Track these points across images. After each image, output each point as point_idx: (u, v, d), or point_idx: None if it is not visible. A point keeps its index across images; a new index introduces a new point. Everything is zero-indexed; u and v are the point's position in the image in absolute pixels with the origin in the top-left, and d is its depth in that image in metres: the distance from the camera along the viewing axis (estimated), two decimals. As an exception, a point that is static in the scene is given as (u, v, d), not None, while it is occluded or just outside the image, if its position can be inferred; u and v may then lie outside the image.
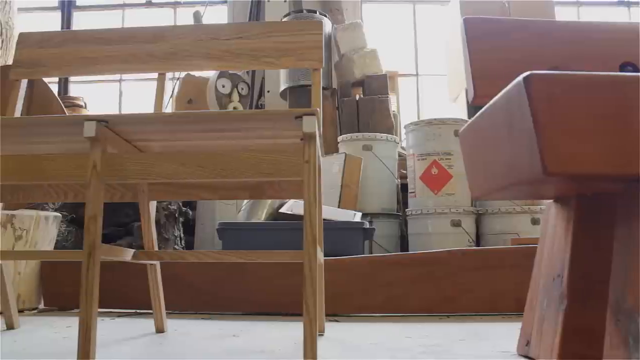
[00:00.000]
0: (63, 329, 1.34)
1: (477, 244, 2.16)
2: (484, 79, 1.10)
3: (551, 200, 1.03)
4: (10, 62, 2.93)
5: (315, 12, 2.77)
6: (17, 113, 1.35)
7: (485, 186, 0.93)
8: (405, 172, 2.61)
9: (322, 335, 1.27)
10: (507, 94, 0.76)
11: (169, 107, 3.06)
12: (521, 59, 1.14)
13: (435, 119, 2.19)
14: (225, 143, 1.13)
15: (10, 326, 1.34)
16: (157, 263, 1.25)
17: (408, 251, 2.26)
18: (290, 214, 1.76)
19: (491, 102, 0.83)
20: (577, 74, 0.71)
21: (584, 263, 0.89)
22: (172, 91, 3.05)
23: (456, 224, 2.06)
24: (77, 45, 1.37)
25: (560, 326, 0.87)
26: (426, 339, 1.21)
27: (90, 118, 0.94)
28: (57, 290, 1.74)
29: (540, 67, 1.18)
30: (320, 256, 1.18)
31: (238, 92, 2.55)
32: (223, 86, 2.55)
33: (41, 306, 1.77)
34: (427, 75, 3.48)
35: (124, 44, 1.36)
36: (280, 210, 1.76)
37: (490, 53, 1.12)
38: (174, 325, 1.38)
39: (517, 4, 2.91)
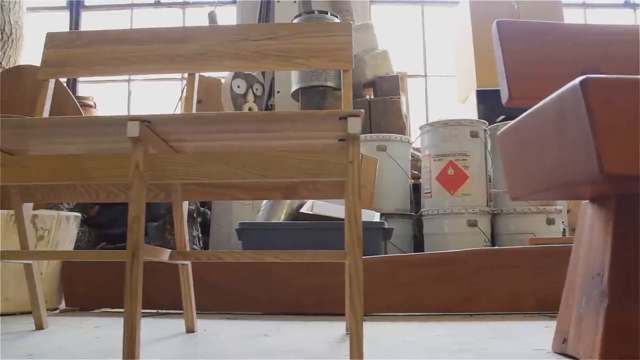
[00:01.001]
0: (92, 329, 1.34)
1: (492, 244, 2.18)
2: (518, 80, 1.11)
3: (586, 201, 1.05)
4: (20, 60, 2.92)
5: (326, 13, 2.78)
6: (46, 113, 1.35)
7: (529, 187, 0.94)
8: (416, 172, 2.63)
9: (352, 334, 1.28)
10: (559, 97, 0.77)
11: (178, 109, 3.05)
12: (553, 60, 1.16)
13: (451, 120, 2.21)
14: (256, 144, 1.13)
15: (39, 326, 1.34)
16: (188, 263, 1.25)
17: (422, 251, 2.27)
18: (310, 214, 1.77)
19: (539, 104, 0.85)
20: (630, 78, 0.72)
21: (625, 262, 0.90)
22: (182, 91, 3.05)
23: (472, 224, 2.07)
24: (105, 46, 1.37)
25: (602, 325, 0.89)
26: (455, 337, 1.22)
27: (133, 118, 0.95)
28: (78, 291, 1.73)
29: (571, 68, 1.19)
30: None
31: (253, 92, 2.55)
32: (238, 86, 2.56)
33: (61, 306, 1.77)
34: (436, 77, 3.50)
35: (153, 44, 1.36)
36: (301, 211, 1.77)
37: (523, 55, 1.13)
38: (201, 325, 1.39)
39: (526, 5, 2.93)
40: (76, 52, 1.37)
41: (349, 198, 0.94)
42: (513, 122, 0.97)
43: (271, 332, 1.30)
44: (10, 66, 2.84)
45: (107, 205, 2.39)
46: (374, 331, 1.32)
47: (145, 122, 0.95)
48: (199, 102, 3.09)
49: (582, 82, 0.71)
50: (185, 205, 1.23)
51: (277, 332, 1.30)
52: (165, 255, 1.08)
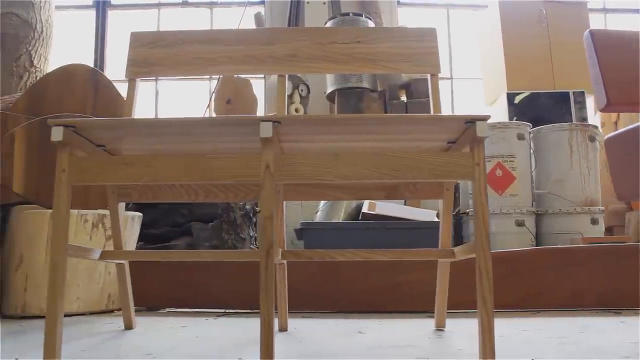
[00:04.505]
0: (182, 329, 1.34)
1: (537, 243, 2.24)
2: (615, 87, 1.16)
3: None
4: (50, 59, 2.89)
5: (361, 15, 2.81)
6: (134, 113, 1.35)
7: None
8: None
9: (443, 330, 1.32)
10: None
11: (207, 110, 3.05)
12: (644, 67, 1.20)
13: (499, 123, 2.27)
14: (360, 145, 1.16)
15: (128, 326, 1.34)
16: (285, 263, 1.27)
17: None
18: (372, 214, 1.80)
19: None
20: None
21: None
22: (212, 92, 3.04)
23: (520, 223, 2.13)
24: (191, 46, 1.38)
25: None
26: (544, 332, 1.26)
27: (264, 119, 0.96)
28: (144, 291, 1.73)
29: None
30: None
31: (299, 93, 2.56)
32: (284, 87, 2.56)
33: (125, 306, 1.75)
34: (462, 79, 3.56)
35: (241, 44, 1.37)
36: (362, 211, 1.79)
37: (619, 62, 1.18)
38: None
39: (553, 9, 3.00)
40: (162, 52, 1.38)
41: (476, 198, 0.97)
42: (627, 128, 1.02)
43: (362, 329, 1.32)
44: (42, 65, 2.81)
45: (147, 206, 2.38)
46: (462, 327, 1.36)
47: (276, 122, 0.97)
48: (228, 102, 3.09)
49: None
50: (284, 204, 1.25)
51: (367, 329, 1.32)
52: (278, 254, 1.10)
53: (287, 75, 1.35)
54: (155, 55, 1.38)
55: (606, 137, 1.09)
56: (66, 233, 0.99)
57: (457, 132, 1.05)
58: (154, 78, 3.41)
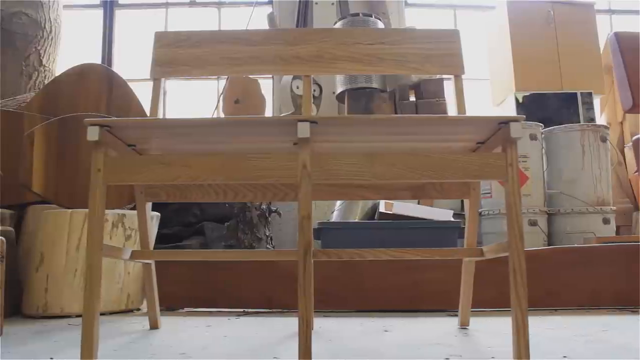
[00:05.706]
0: (208, 329, 1.34)
1: (549, 243, 2.26)
2: (641, 87, 1.18)
3: None
4: (59, 58, 2.87)
5: (370, 15, 2.82)
6: (160, 113, 1.35)
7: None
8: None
9: (467, 328, 1.33)
10: None
11: (216, 110, 3.05)
12: (668, 68, 1.22)
13: (512, 123, 2.28)
14: (388, 145, 1.16)
15: (153, 326, 1.35)
16: (312, 261, 1.28)
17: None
18: (389, 213, 1.81)
19: None
20: None
21: None
22: (221, 92, 3.05)
23: (533, 223, 2.15)
24: (216, 46, 1.38)
25: None
26: (568, 330, 1.27)
27: (302, 119, 0.97)
28: (161, 290, 1.72)
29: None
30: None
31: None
32: (297, 87, 2.57)
33: (143, 306, 1.76)
34: (468, 79, 3.58)
35: (267, 45, 1.38)
36: (379, 210, 1.80)
37: (644, 63, 1.20)
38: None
39: (560, 10, 3.02)
40: (188, 52, 1.38)
41: (509, 199, 0.98)
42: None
43: (387, 328, 1.33)
44: (50, 64, 2.80)
45: (158, 205, 2.38)
46: (483, 325, 1.37)
47: (314, 122, 0.97)
48: (237, 102, 3.10)
49: None
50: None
51: (392, 328, 1.33)
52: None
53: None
54: (181, 55, 1.38)
55: (634, 137, 1.10)
56: (101, 233, 0.99)
57: (489, 132, 1.06)
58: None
